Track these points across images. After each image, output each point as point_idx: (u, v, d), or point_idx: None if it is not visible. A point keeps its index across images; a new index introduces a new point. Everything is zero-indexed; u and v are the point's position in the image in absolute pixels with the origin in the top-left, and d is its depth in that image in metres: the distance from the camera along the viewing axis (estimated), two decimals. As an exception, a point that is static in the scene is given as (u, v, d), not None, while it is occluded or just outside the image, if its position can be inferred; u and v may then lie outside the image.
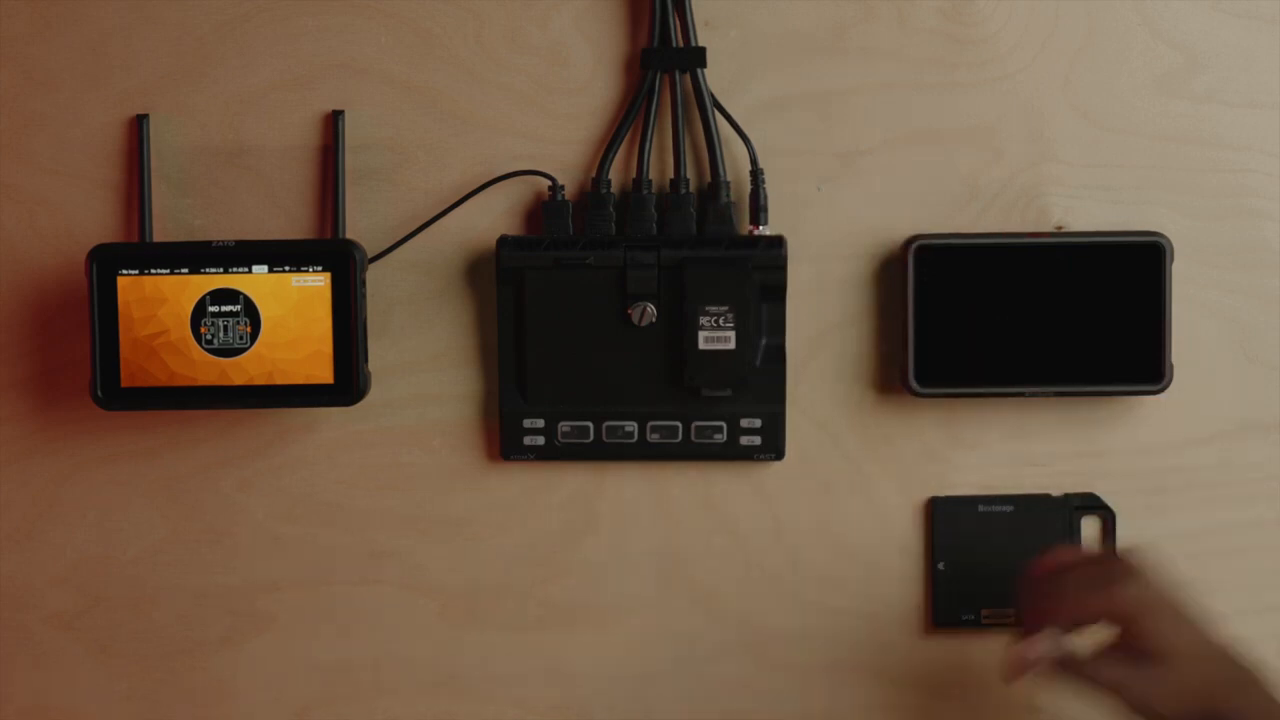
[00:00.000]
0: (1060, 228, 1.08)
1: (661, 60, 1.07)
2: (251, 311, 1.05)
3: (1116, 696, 0.94)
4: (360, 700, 1.12)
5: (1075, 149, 1.09)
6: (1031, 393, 1.07)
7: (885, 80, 1.08)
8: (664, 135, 1.08)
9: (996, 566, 1.10)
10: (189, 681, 1.12)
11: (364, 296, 1.06)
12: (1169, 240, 1.06)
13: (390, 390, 1.09)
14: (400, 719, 1.12)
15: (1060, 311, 1.06)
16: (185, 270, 1.05)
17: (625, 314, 1.06)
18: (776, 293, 1.06)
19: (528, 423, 1.07)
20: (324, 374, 1.06)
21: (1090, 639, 0.95)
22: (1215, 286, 1.09)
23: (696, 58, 1.07)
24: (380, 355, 1.08)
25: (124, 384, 1.05)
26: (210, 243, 1.05)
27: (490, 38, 1.08)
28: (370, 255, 1.07)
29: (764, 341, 1.07)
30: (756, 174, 1.07)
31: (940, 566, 1.10)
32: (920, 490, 1.10)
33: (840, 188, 1.09)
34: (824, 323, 1.09)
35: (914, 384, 1.07)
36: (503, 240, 1.06)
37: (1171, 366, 1.07)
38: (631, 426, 1.07)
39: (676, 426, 1.07)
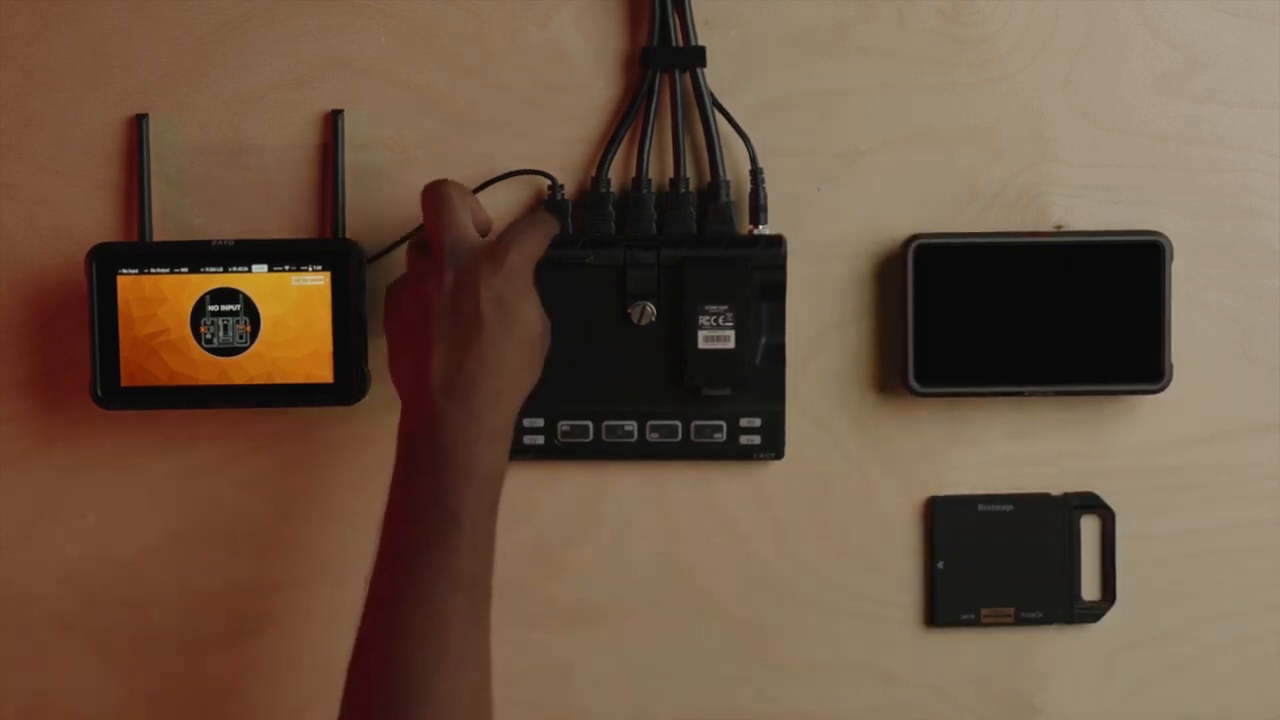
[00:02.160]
0: (1060, 227, 1.08)
1: (661, 59, 1.07)
2: (251, 311, 1.05)
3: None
4: (360, 700, 1.12)
5: (1075, 149, 1.09)
6: (1031, 392, 1.07)
7: (885, 80, 1.08)
8: (664, 135, 1.08)
9: (996, 566, 1.10)
10: (189, 681, 1.11)
11: (364, 296, 1.06)
12: (1169, 240, 1.06)
13: (390, 390, 1.08)
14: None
15: (1060, 311, 1.06)
16: (185, 269, 1.05)
17: (625, 313, 1.06)
18: (776, 292, 1.06)
19: (527, 422, 1.07)
20: (324, 373, 1.06)
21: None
22: (1215, 286, 1.09)
23: (696, 57, 1.07)
24: (380, 355, 1.08)
25: (124, 383, 1.05)
26: (210, 242, 1.06)
27: (490, 37, 1.08)
28: (370, 255, 1.07)
29: (764, 341, 1.07)
30: (756, 174, 1.07)
31: (940, 566, 1.10)
32: (920, 490, 1.10)
33: (840, 188, 1.09)
34: (824, 322, 1.09)
35: (914, 384, 1.07)
36: (502, 240, 1.06)
37: (1171, 366, 1.07)
38: (631, 426, 1.07)
39: (676, 426, 1.07)
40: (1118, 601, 1.10)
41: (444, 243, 0.97)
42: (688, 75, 1.07)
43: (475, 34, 1.08)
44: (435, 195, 0.99)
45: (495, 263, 0.96)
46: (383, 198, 1.09)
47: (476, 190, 1.07)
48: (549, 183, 1.07)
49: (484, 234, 1.00)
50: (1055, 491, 1.10)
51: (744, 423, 1.07)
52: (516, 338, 0.97)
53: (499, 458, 0.96)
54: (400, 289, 1.00)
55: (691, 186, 1.08)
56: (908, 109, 1.08)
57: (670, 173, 1.08)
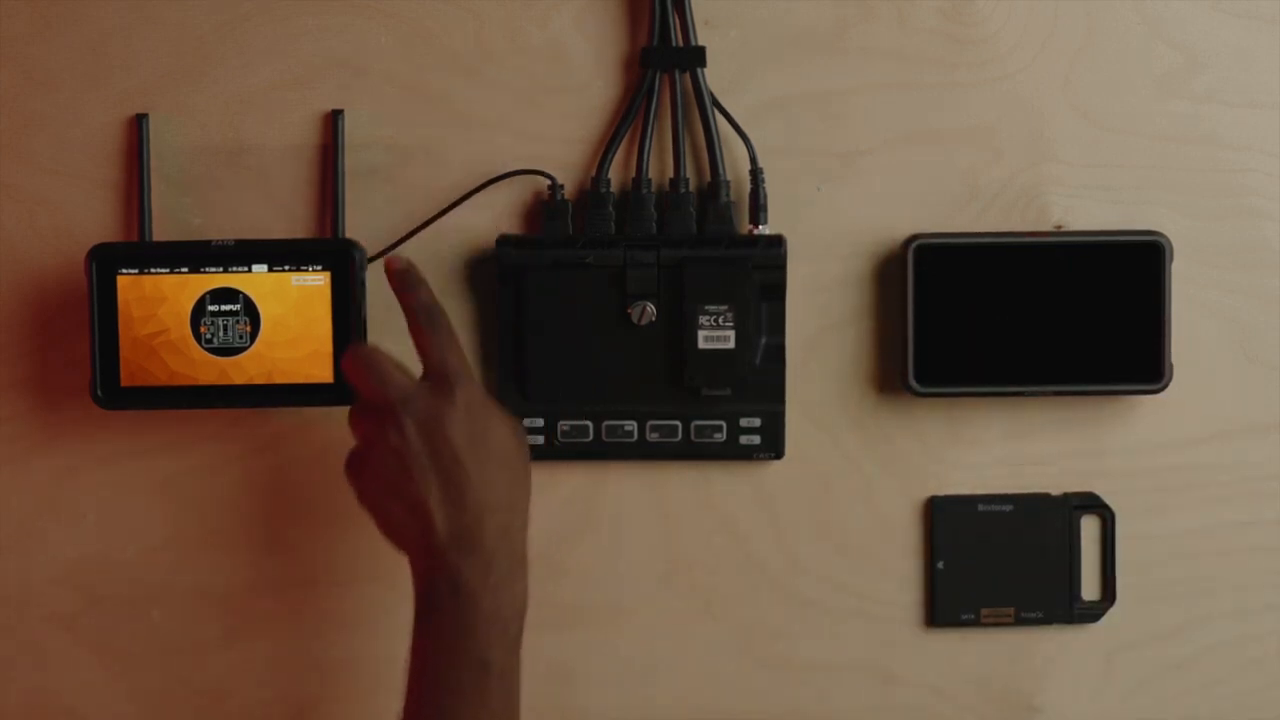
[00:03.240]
0: (1060, 227, 1.08)
1: (661, 59, 1.07)
2: (251, 311, 1.05)
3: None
4: (360, 700, 1.11)
5: (1075, 149, 1.09)
6: (1031, 392, 1.07)
7: (885, 80, 1.08)
8: (663, 135, 1.08)
9: (996, 566, 1.10)
10: (189, 681, 1.12)
11: (364, 296, 1.06)
12: (1169, 240, 1.06)
13: (390, 390, 1.09)
14: (400, 719, 1.12)
15: (1060, 311, 1.06)
16: (185, 269, 1.05)
17: (625, 313, 1.06)
18: (776, 292, 1.06)
19: (527, 422, 1.07)
20: (324, 373, 1.06)
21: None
22: (1215, 286, 1.09)
23: (696, 57, 1.07)
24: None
25: (124, 383, 1.05)
26: (210, 242, 1.06)
27: (490, 37, 1.08)
28: (370, 255, 1.07)
29: (763, 341, 1.07)
30: (756, 174, 1.07)
31: (940, 566, 1.10)
32: (920, 490, 1.10)
33: (840, 188, 1.09)
34: (824, 322, 1.09)
35: (914, 384, 1.07)
36: (502, 240, 1.06)
37: (1171, 366, 1.07)
38: (631, 426, 1.07)
39: (676, 426, 1.07)
40: (1118, 601, 1.11)
41: (389, 397, 0.96)
42: (688, 75, 1.07)
43: (475, 34, 1.08)
44: (358, 359, 0.97)
45: (447, 398, 0.96)
46: (383, 198, 1.09)
47: (476, 190, 1.07)
48: (549, 183, 1.07)
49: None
50: (1055, 491, 1.10)
51: (744, 423, 1.07)
52: (498, 463, 0.96)
53: (519, 594, 0.96)
54: (363, 455, 0.98)
55: (691, 186, 1.08)
56: (908, 109, 1.08)
57: (670, 173, 1.08)
